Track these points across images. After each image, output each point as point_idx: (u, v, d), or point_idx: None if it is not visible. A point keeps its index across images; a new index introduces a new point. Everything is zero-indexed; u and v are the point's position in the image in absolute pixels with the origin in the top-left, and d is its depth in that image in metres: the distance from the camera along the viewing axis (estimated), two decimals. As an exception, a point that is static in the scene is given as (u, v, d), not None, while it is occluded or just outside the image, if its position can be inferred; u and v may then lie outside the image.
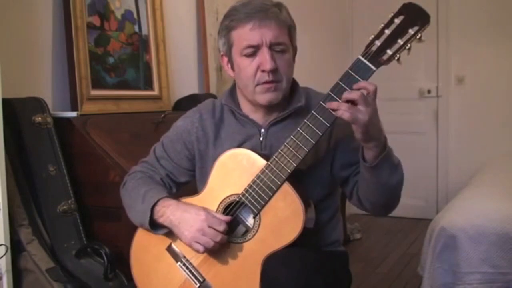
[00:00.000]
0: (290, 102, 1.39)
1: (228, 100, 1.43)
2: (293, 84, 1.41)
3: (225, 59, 1.40)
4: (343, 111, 1.14)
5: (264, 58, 1.29)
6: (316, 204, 1.32)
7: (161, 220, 1.33)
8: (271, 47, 1.29)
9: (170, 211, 1.31)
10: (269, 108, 1.37)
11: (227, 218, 1.28)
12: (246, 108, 1.41)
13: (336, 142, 1.37)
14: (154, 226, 1.35)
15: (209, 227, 1.25)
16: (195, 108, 1.51)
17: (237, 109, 1.41)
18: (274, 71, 1.30)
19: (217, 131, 1.43)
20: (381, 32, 1.16)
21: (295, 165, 1.22)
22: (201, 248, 1.26)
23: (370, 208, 1.34)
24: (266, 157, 1.28)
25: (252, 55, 1.31)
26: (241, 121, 1.42)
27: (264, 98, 1.33)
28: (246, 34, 1.29)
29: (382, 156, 1.20)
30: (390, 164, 1.23)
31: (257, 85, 1.32)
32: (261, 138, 1.38)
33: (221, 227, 1.25)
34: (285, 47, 1.32)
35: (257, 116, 1.40)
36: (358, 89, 1.15)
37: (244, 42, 1.30)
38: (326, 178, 1.39)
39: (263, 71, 1.30)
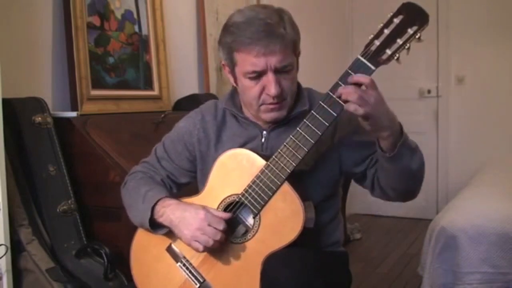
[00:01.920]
0: (294, 106, 1.37)
1: (229, 103, 1.42)
2: (297, 87, 1.39)
3: (228, 69, 1.38)
4: (351, 104, 1.14)
5: (269, 83, 1.27)
6: (318, 205, 1.31)
7: (161, 220, 1.33)
8: (275, 71, 1.28)
9: (170, 211, 1.31)
10: None
11: (227, 215, 1.28)
12: (248, 112, 1.40)
13: (340, 140, 1.36)
14: (154, 226, 1.34)
15: (209, 225, 1.25)
16: (197, 109, 1.50)
17: (239, 113, 1.41)
18: (279, 94, 1.29)
19: (218, 133, 1.42)
20: (380, 31, 1.16)
21: (294, 165, 1.22)
22: (200, 247, 1.25)
23: (394, 195, 1.34)
24: (266, 157, 1.28)
25: (257, 78, 1.29)
26: (243, 123, 1.41)
27: (268, 116, 1.34)
28: (251, 59, 1.26)
29: (400, 143, 1.19)
30: (409, 149, 1.23)
31: (262, 104, 1.32)
32: (262, 140, 1.38)
33: (221, 226, 1.25)
34: (290, 67, 1.30)
35: (259, 120, 1.39)
36: (357, 84, 1.15)
37: (248, 67, 1.28)
38: (331, 178, 1.38)
39: (268, 94, 1.29)
